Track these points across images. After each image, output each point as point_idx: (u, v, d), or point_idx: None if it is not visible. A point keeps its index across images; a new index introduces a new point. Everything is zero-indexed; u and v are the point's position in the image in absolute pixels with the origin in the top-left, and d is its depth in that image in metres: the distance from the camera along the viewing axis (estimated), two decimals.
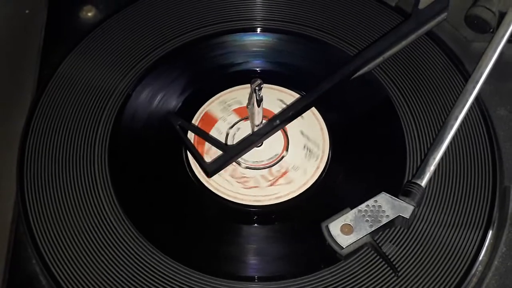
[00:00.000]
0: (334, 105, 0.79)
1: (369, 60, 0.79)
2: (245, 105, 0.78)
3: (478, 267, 0.69)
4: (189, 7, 0.86)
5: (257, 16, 0.85)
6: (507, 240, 0.70)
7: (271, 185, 0.74)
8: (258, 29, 0.85)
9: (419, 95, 0.79)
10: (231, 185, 0.74)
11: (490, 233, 0.70)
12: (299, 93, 0.80)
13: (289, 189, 0.73)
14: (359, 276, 0.67)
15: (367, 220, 0.67)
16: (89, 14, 0.86)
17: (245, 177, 0.74)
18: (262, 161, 0.75)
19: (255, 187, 0.73)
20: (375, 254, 0.68)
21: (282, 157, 0.76)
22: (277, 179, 0.74)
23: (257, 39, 0.84)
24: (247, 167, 0.75)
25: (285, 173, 0.74)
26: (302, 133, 0.77)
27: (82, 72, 0.80)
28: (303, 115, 0.78)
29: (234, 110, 0.79)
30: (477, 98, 0.76)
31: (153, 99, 0.79)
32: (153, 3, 0.86)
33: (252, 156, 0.76)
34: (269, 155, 0.76)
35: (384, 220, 0.67)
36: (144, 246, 0.69)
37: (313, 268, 0.67)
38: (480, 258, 0.68)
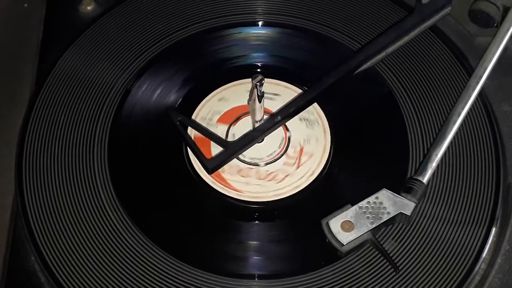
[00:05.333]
0: (336, 101, 0.78)
1: (372, 55, 0.79)
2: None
3: (481, 265, 0.68)
4: (190, 0, 0.85)
5: (258, 10, 0.85)
6: (511, 237, 0.70)
7: (298, 166, 0.74)
8: (260, 23, 0.84)
9: (422, 91, 0.78)
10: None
11: (493, 230, 0.69)
12: (301, 88, 0.79)
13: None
14: (359, 274, 0.67)
15: (367, 217, 0.66)
16: (89, 7, 0.85)
17: (271, 173, 0.74)
18: (272, 153, 0.75)
19: (287, 176, 0.73)
20: (376, 251, 0.67)
21: (289, 138, 0.76)
22: (299, 158, 0.74)
23: (258, 33, 0.84)
24: (266, 163, 0.75)
25: (301, 150, 0.74)
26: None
27: (81, 66, 0.80)
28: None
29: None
30: (480, 94, 0.76)
31: (152, 94, 0.79)
32: None
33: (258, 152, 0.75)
34: (271, 151, 0.76)
35: (385, 217, 0.66)
36: (143, 242, 0.69)
37: (313, 265, 0.67)
38: (483, 256, 0.68)
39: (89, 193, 0.71)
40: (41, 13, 0.85)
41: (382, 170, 0.73)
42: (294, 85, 0.80)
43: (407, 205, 0.67)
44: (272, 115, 0.75)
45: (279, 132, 0.76)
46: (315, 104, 0.78)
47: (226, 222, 0.72)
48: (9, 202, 0.73)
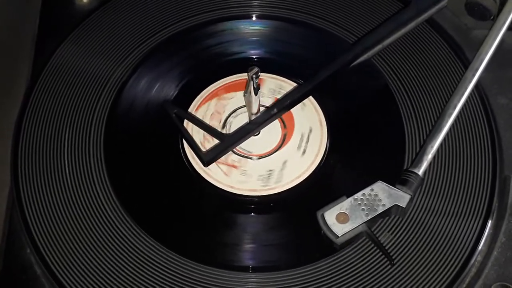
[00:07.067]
0: (332, 93, 0.78)
1: (369, 47, 0.78)
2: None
3: (477, 258, 0.68)
4: None
5: (254, 3, 0.84)
6: (507, 230, 0.70)
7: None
8: (255, 16, 0.84)
9: (418, 83, 0.78)
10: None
11: (489, 223, 0.69)
12: (297, 82, 0.79)
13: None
14: (355, 266, 0.66)
15: (363, 209, 0.66)
16: (85, 0, 0.85)
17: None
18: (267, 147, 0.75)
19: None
20: (371, 244, 0.67)
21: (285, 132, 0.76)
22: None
23: (254, 26, 0.83)
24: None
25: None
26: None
27: (76, 60, 0.80)
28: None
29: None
30: (477, 86, 0.76)
31: (148, 87, 0.79)
32: None
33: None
34: (268, 145, 0.75)
35: (380, 209, 0.66)
36: (139, 235, 0.69)
37: (308, 258, 0.67)
38: (479, 248, 0.68)
39: (85, 186, 0.71)
40: (37, 6, 0.85)
41: (378, 162, 0.73)
42: (290, 78, 0.79)
43: (402, 197, 0.67)
44: (268, 108, 0.75)
45: (275, 126, 0.76)
46: (311, 97, 0.77)
47: (221, 215, 0.71)
48: (4, 194, 0.73)
